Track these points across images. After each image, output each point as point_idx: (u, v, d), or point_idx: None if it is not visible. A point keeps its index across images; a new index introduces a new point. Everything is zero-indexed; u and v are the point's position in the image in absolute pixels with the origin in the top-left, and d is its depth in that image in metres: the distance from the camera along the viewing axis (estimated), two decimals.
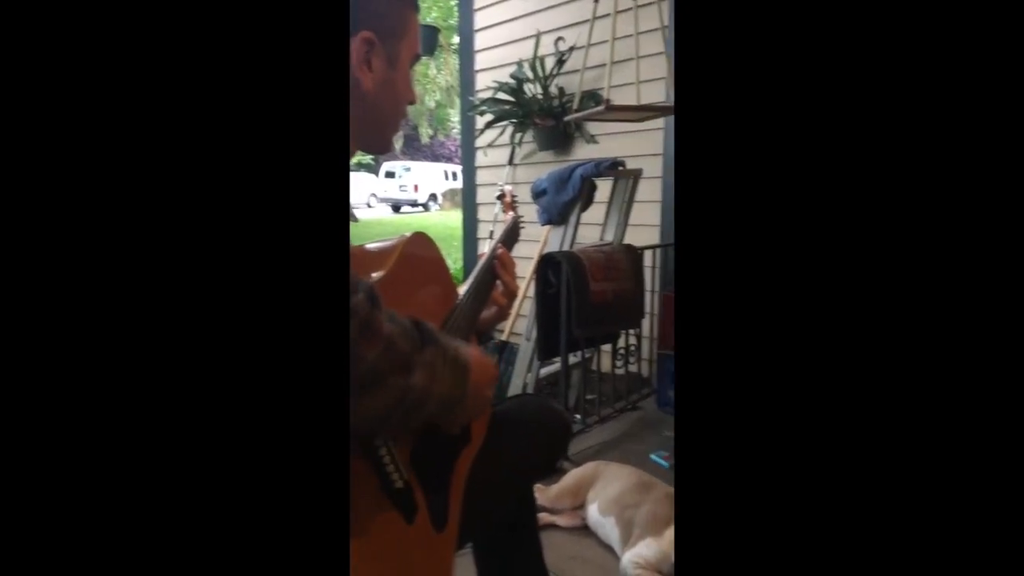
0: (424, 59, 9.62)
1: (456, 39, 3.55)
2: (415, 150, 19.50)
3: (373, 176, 16.75)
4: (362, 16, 0.59)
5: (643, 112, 1.90)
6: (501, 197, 1.00)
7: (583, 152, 2.57)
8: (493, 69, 2.93)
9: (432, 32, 3.99)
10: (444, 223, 9.01)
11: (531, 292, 1.92)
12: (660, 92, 2.16)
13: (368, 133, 0.65)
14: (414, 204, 15.92)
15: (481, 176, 3.15)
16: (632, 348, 2.07)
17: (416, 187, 15.93)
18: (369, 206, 16.05)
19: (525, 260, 2.48)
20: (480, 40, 3.04)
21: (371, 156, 9.34)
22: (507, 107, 2.66)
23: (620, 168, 1.99)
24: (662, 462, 1.72)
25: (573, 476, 1.45)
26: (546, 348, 1.85)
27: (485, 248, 0.84)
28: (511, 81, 2.63)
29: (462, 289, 0.75)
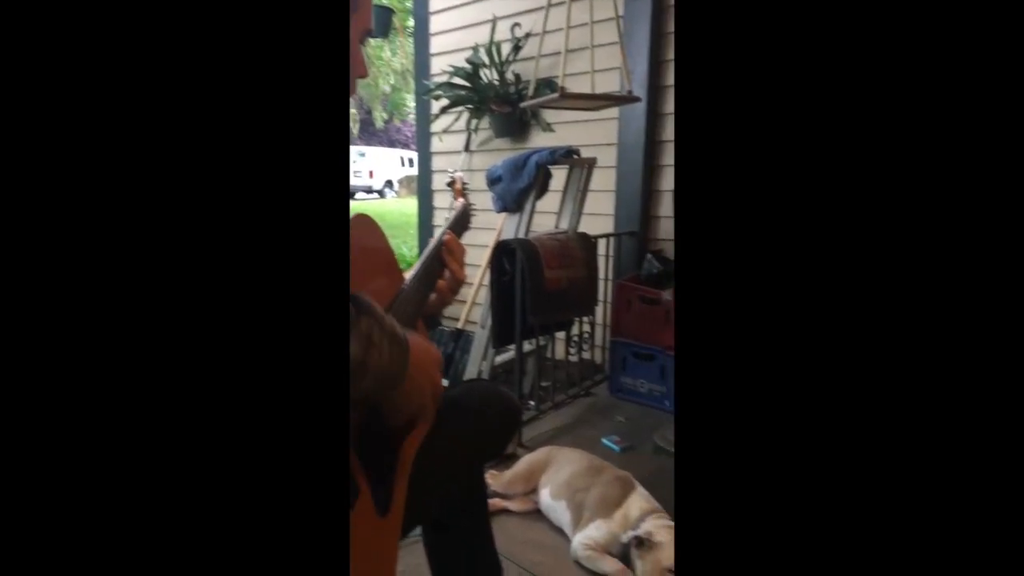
0: (378, 41, 9.38)
1: (411, 21, 3.47)
2: (370, 135, 19.05)
3: None
4: None
5: (597, 101, 1.91)
6: (452, 184, 0.99)
7: (539, 140, 2.57)
8: (449, 53, 2.89)
9: (386, 13, 3.89)
10: (400, 210, 8.88)
11: (487, 280, 1.92)
12: (615, 81, 2.17)
13: None
14: (369, 191, 15.58)
15: (437, 162, 3.11)
16: (586, 335, 2.11)
17: (371, 173, 15.56)
18: None
19: (481, 248, 2.48)
20: (435, 23, 2.99)
21: None
22: (463, 92, 2.63)
23: (575, 156, 2.00)
24: (613, 446, 1.76)
25: (526, 461, 1.46)
26: (501, 335, 1.85)
27: None
28: (467, 66, 2.59)
29: (409, 275, 0.74)
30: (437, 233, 0.79)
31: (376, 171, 15.68)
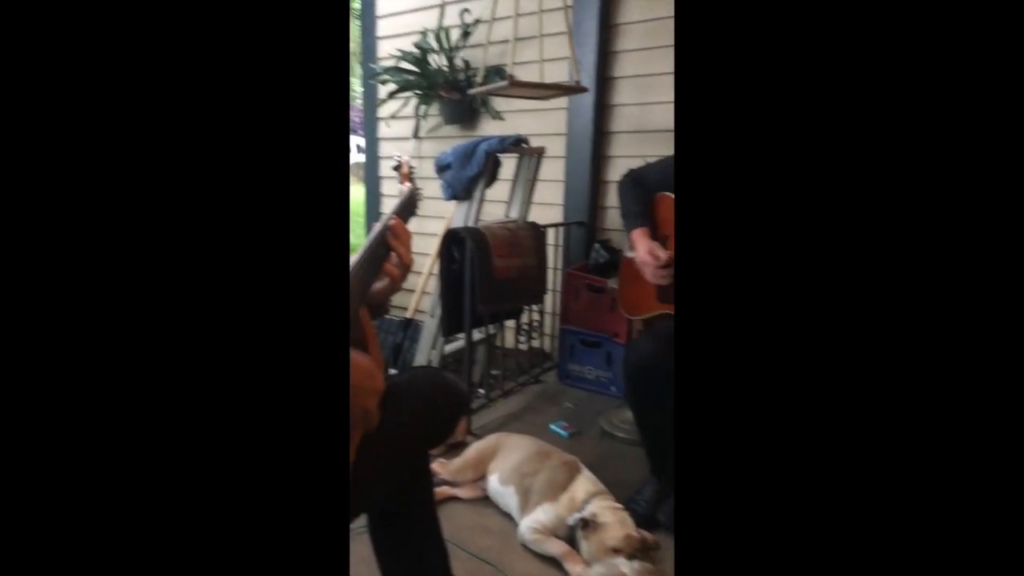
0: None
1: (357, 3, 3.37)
2: None
3: None
4: None
5: (546, 90, 1.92)
6: (398, 168, 0.97)
7: (489, 128, 2.56)
8: (396, 37, 2.82)
9: None
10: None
11: (437, 269, 1.90)
12: (563, 71, 2.19)
13: None
14: None
15: (384, 148, 3.04)
16: (535, 324, 2.13)
17: None
18: None
19: (431, 237, 2.45)
20: (382, 5, 2.91)
21: None
22: (411, 78, 2.58)
23: (524, 145, 2.00)
24: (561, 432, 1.79)
25: (475, 449, 1.47)
26: (450, 325, 1.84)
27: None
28: (415, 51, 2.54)
29: (352, 259, 0.72)
30: (383, 218, 0.78)
31: None
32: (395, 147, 2.97)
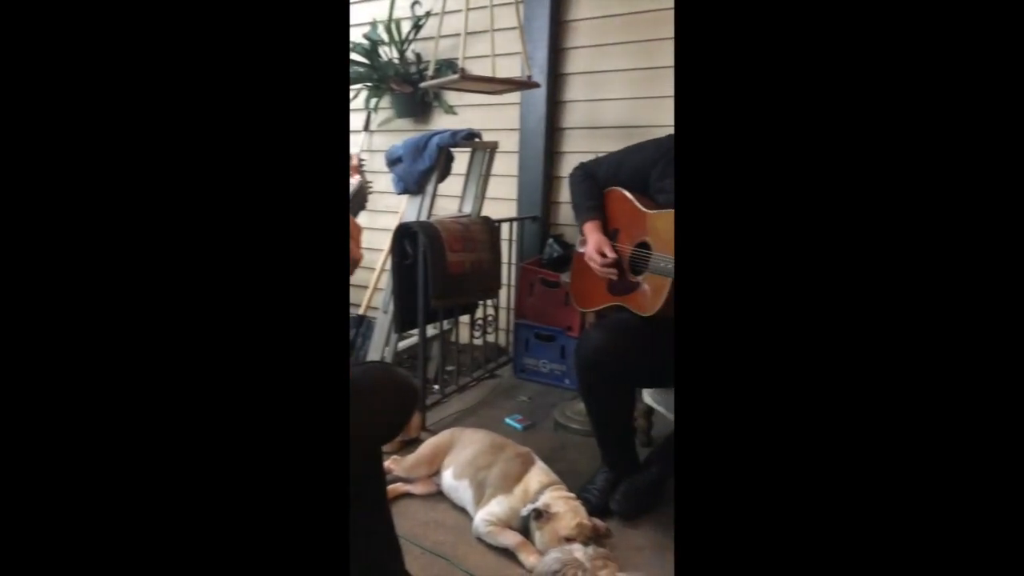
0: None
1: None
2: None
3: None
4: None
5: (498, 85, 1.91)
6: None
7: (442, 122, 2.53)
8: None
9: None
10: None
11: (389, 265, 1.88)
12: (516, 67, 2.19)
13: None
14: None
15: None
16: (490, 319, 2.13)
17: None
18: None
19: (383, 232, 2.41)
20: None
21: None
22: (361, 69, 2.53)
23: (477, 140, 2.00)
24: (516, 425, 1.81)
25: (429, 444, 1.46)
26: (404, 320, 1.82)
27: None
28: (364, 42, 2.49)
29: None
30: None
31: None
32: None
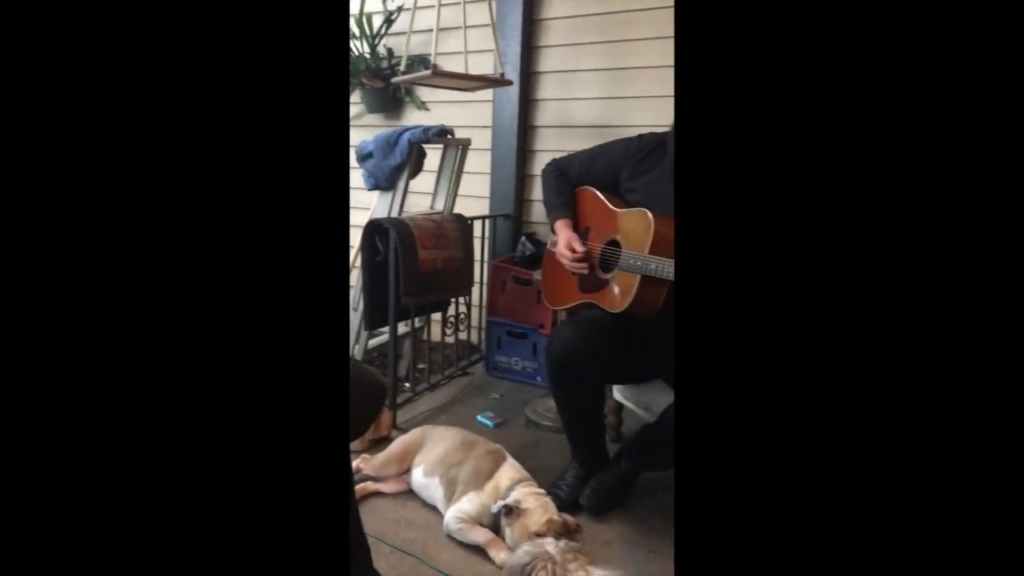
0: None
1: None
2: None
3: None
4: None
5: (470, 81, 1.91)
6: None
7: (414, 118, 2.51)
8: None
9: None
10: None
11: (359, 262, 1.86)
12: (488, 64, 2.19)
13: None
14: None
15: None
16: (462, 316, 2.12)
17: None
18: None
19: (353, 228, 2.38)
20: None
21: None
22: None
23: (449, 136, 1.99)
24: (488, 422, 1.81)
25: (399, 442, 1.45)
26: (374, 318, 1.80)
27: None
28: None
29: None
30: None
31: None
32: None
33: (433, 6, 1.78)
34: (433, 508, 1.33)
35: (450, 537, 1.23)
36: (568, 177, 1.49)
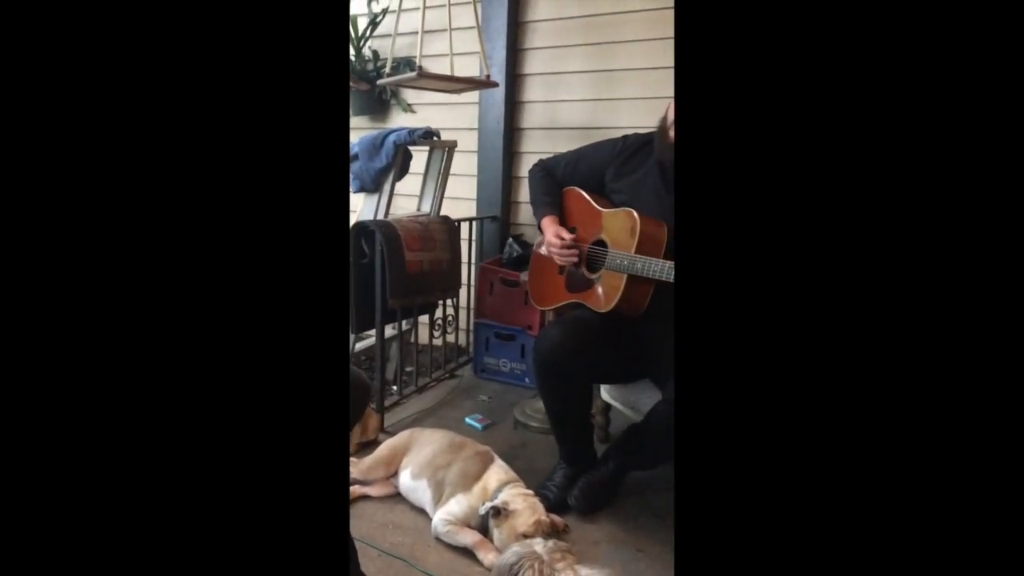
0: None
1: None
2: None
3: None
4: None
5: (455, 83, 1.91)
6: None
7: (400, 120, 2.51)
8: None
9: None
10: None
11: None
12: (474, 66, 2.19)
13: None
14: None
15: None
16: (450, 318, 2.12)
17: None
18: None
19: None
20: None
21: None
22: None
23: (434, 138, 1.98)
24: (476, 424, 1.80)
25: (387, 446, 1.44)
26: (361, 321, 1.79)
27: None
28: None
29: None
30: None
31: None
32: None
33: (418, 8, 1.78)
34: (421, 511, 1.32)
35: (438, 539, 1.23)
36: (554, 177, 1.49)
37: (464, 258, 2.12)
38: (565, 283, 1.43)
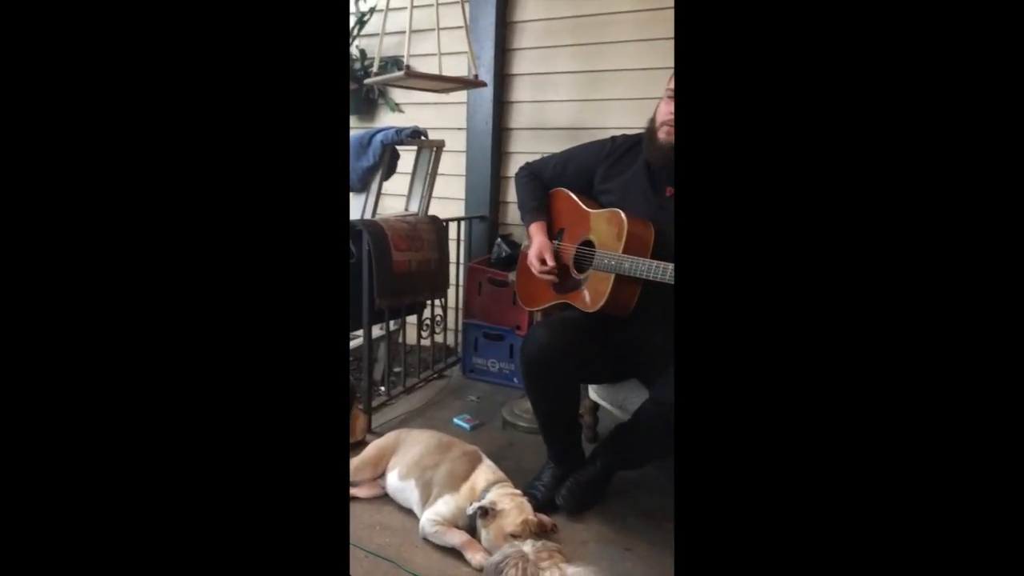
0: None
1: None
2: None
3: None
4: None
5: (443, 82, 1.90)
6: None
7: (388, 119, 2.50)
8: None
9: None
10: None
11: None
12: (462, 66, 2.19)
13: None
14: None
15: None
16: (438, 319, 2.11)
17: None
18: None
19: None
20: None
21: None
22: None
23: (422, 138, 1.98)
24: (464, 425, 1.80)
25: (374, 446, 1.44)
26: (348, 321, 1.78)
27: None
28: None
29: None
30: None
31: None
32: None
33: (405, 8, 1.77)
34: (408, 512, 1.32)
35: (426, 540, 1.22)
36: (542, 179, 1.50)
37: (452, 258, 2.11)
38: (553, 283, 1.43)
